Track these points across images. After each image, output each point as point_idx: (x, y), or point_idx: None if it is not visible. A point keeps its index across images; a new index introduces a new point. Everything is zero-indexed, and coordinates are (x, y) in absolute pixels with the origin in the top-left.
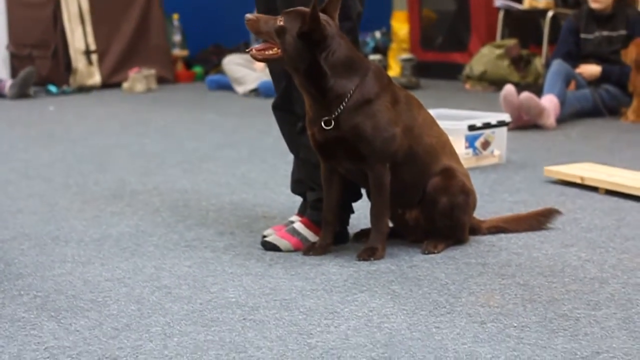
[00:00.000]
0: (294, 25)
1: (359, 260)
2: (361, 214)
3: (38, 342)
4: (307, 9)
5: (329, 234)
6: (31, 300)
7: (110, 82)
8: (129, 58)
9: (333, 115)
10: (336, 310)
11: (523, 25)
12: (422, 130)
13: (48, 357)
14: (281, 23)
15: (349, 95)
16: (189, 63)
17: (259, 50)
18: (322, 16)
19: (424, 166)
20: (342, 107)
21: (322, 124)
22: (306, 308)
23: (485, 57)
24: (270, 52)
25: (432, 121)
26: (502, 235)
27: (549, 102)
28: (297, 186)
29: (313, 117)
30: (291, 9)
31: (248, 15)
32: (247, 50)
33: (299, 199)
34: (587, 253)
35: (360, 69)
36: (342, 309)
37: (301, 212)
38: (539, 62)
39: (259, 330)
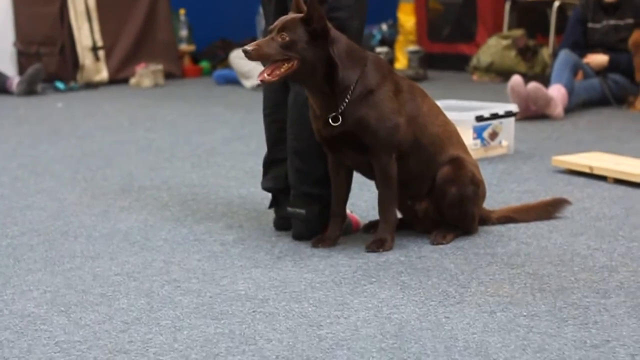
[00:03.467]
0: (299, 32)
1: (368, 251)
2: (369, 205)
3: (48, 337)
4: (294, 15)
5: (337, 226)
6: (41, 296)
7: (118, 78)
8: (136, 54)
9: (339, 110)
10: (346, 302)
11: (530, 16)
12: (427, 119)
13: (58, 352)
14: (287, 38)
15: (352, 87)
16: (196, 58)
17: (270, 73)
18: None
19: (430, 156)
20: (347, 100)
21: (330, 120)
22: (316, 300)
23: (492, 48)
24: (282, 69)
25: (437, 111)
26: (511, 225)
27: (557, 92)
28: None
29: (319, 114)
30: (281, 22)
31: (247, 48)
32: (259, 81)
33: None
34: (596, 242)
35: (360, 59)
36: (352, 300)
37: None
38: (546, 53)
39: (268, 322)
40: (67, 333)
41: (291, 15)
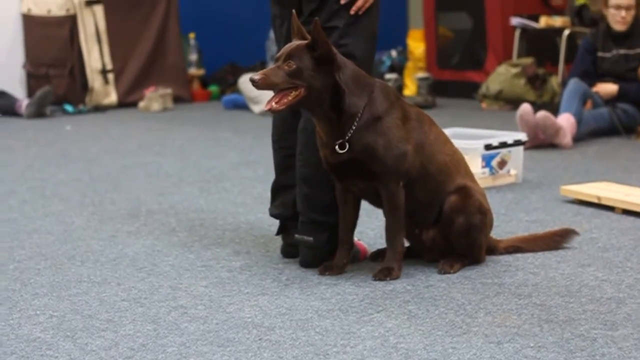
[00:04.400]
0: (305, 59)
1: (375, 280)
2: (377, 233)
3: None
4: (299, 42)
5: (344, 254)
6: (47, 320)
7: (127, 102)
8: (145, 77)
9: (346, 137)
10: (352, 331)
11: (539, 44)
12: (435, 147)
13: None
14: (293, 66)
15: (359, 115)
16: (205, 82)
17: (277, 101)
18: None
19: (438, 185)
20: (354, 127)
21: (337, 147)
22: (322, 328)
23: (501, 76)
24: (290, 97)
25: (445, 139)
26: (519, 255)
27: (566, 121)
28: None
29: (326, 141)
30: (286, 50)
31: (254, 77)
32: (267, 109)
33: None
34: (604, 273)
35: (366, 86)
36: (359, 329)
37: None
38: (555, 81)
39: (275, 350)
40: (73, 359)
41: (296, 42)
